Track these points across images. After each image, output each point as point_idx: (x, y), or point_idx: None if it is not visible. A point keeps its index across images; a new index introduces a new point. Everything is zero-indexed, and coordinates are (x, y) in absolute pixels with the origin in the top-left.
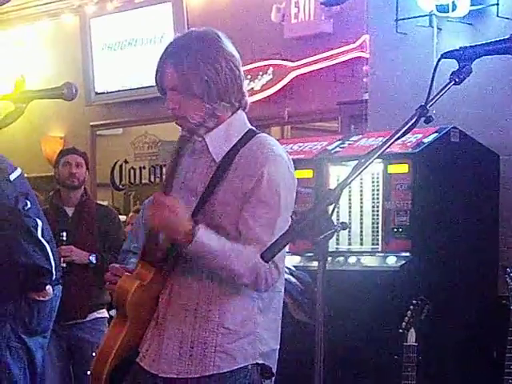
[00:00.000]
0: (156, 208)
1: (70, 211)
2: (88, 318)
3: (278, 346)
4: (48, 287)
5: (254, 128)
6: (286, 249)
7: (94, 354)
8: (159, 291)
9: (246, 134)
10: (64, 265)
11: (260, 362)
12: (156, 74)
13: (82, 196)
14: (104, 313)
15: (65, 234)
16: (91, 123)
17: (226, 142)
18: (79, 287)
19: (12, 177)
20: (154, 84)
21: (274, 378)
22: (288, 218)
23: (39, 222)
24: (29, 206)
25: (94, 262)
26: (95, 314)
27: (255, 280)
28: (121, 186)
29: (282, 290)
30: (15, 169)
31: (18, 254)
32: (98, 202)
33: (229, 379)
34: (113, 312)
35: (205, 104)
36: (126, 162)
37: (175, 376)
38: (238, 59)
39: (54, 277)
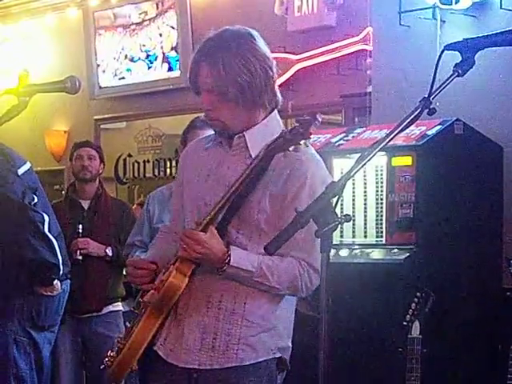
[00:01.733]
0: (186, 242)
1: (85, 204)
2: (103, 312)
3: (290, 343)
4: (56, 282)
5: (285, 130)
6: (318, 247)
7: (118, 343)
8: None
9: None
10: (80, 257)
11: (278, 355)
12: (190, 74)
13: (98, 189)
14: (119, 306)
15: (81, 226)
16: (95, 117)
17: (264, 141)
18: (95, 280)
19: (20, 171)
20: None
21: (285, 372)
22: None
23: (46, 217)
24: (36, 200)
25: (111, 254)
26: (110, 308)
27: (295, 289)
28: (125, 180)
29: None
30: (24, 163)
31: (25, 248)
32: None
33: (250, 371)
34: (125, 306)
35: (240, 107)
36: (129, 155)
37: (196, 367)
38: (271, 59)
39: (62, 272)
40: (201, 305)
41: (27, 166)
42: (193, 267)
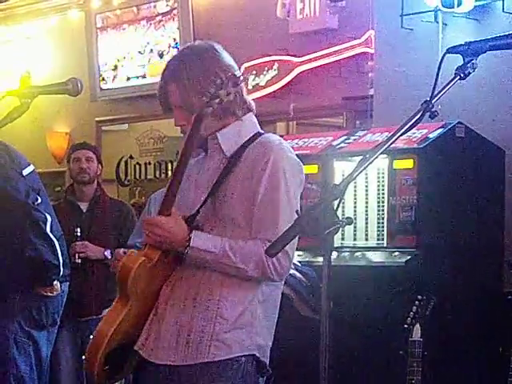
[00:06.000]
0: (146, 228)
1: (84, 206)
2: (103, 314)
3: (271, 343)
4: (56, 283)
5: (262, 131)
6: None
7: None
8: (163, 279)
9: (255, 134)
10: (79, 261)
11: (256, 354)
12: (159, 92)
13: (96, 191)
14: None
15: (79, 229)
16: (96, 119)
17: (237, 139)
18: (94, 283)
19: (25, 172)
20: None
21: (265, 377)
22: (293, 205)
23: (48, 218)
24: (39, 201)
25: (109, 257)
26: None
27: (263, 272)
28: (126, 182)
29: (281, 285)
30: (28, 164)
31: (26, 246)
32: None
33: (222, 368)
34: None
35: (210, 118)
36: (131, 157)
37: (171, 363)
38: (236, 68)
39: (62, 273)
40: (178, 302)
41: (31, 167)
42: (159, 253)
